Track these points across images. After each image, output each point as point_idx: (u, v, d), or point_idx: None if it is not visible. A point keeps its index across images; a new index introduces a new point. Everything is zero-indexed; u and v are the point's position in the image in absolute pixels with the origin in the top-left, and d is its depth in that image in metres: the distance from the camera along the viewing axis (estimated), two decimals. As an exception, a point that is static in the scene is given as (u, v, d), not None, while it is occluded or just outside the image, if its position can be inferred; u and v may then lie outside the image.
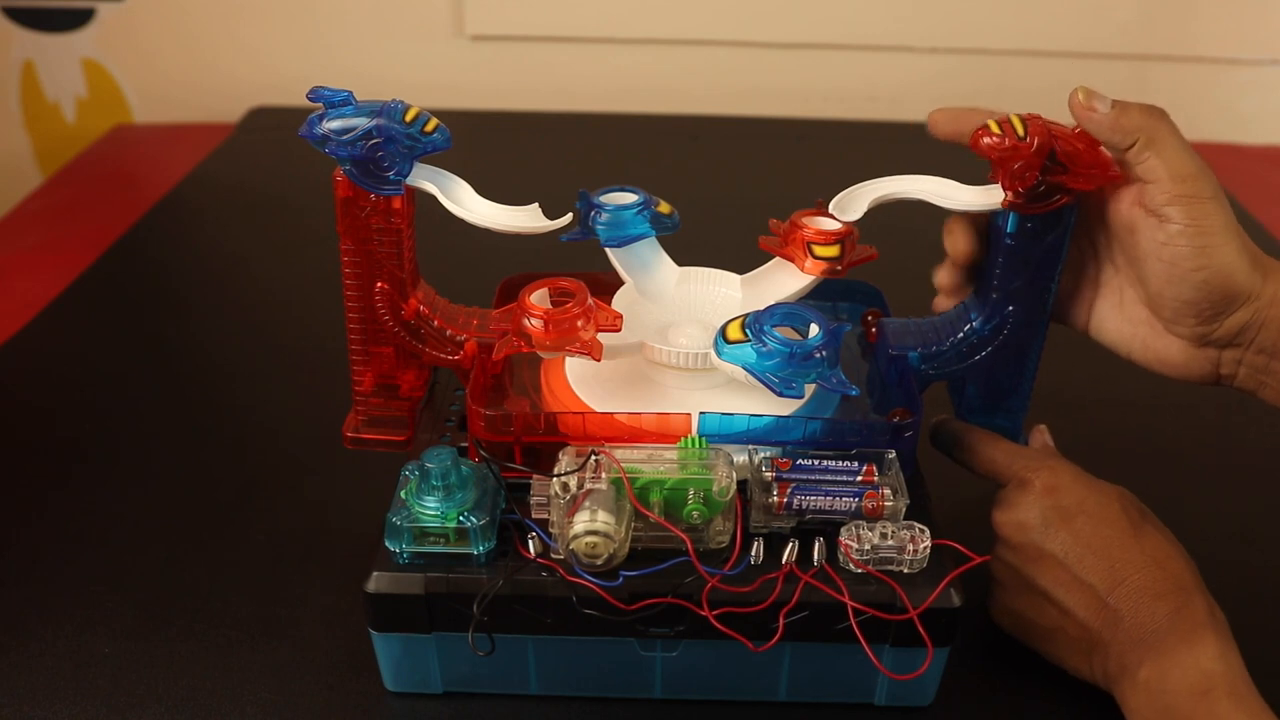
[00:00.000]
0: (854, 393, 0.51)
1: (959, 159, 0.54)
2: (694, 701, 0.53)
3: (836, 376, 0.50)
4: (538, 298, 0.50)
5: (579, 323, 0.49)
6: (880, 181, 0.54)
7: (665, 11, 1.24)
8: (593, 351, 0.50)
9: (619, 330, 0.51)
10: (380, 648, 0.51)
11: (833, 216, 0.55)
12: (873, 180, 0.54)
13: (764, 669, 0.51)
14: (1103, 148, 0.51)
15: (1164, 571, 0.49)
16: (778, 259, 0.57)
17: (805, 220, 0.56)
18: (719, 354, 0.50)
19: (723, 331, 0.51)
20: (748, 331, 0.50)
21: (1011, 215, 0.52)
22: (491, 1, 1.24)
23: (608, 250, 0.57)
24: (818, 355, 0.49)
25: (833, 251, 0.55)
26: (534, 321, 0.49)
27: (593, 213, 0.57)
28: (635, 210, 0.57)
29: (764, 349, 0.49)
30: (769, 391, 0.49)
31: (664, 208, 0.58)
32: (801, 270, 0.56)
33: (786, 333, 0.50)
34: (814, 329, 0.51)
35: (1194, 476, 0.70)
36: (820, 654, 0.50)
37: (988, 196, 0.52)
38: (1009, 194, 0.51)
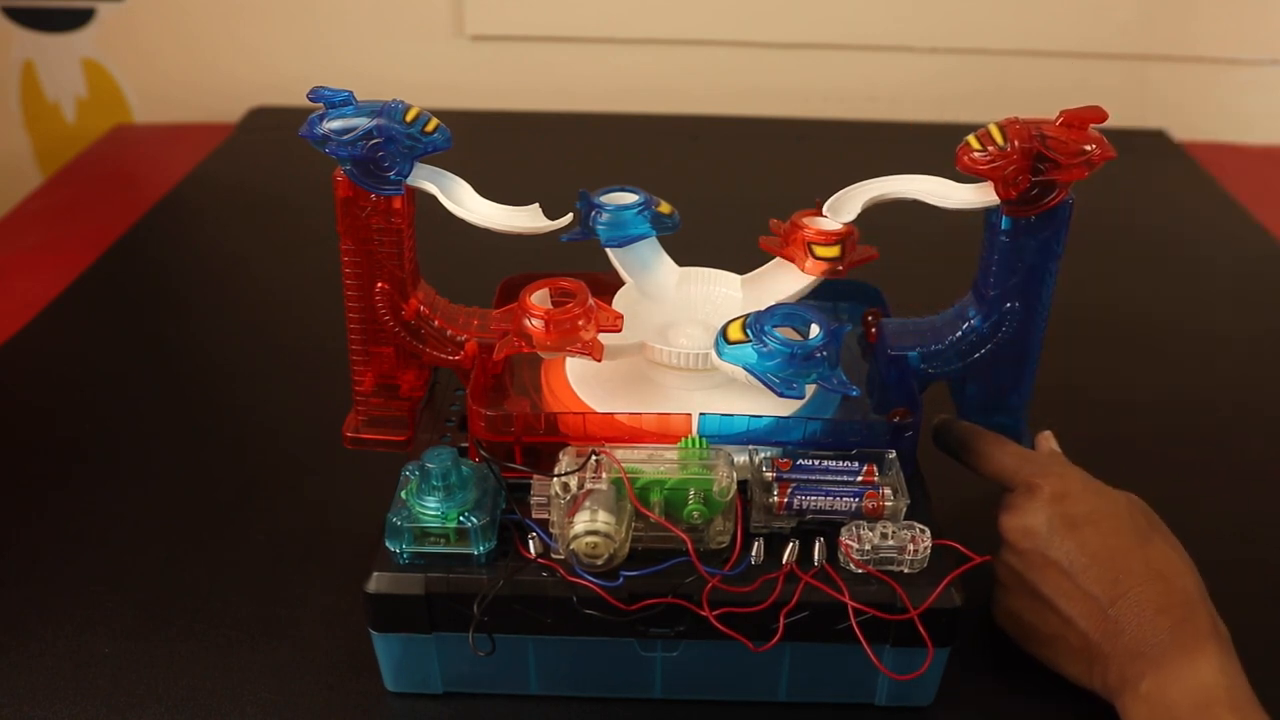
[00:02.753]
0: (855, 393, 0.51)
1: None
2: (694, 701, 0.53)
3: (837, 377, 0.50)
4: (538, 298, 0.50)
5: (580, 323, 0.49)
6: (875, 182, 0.54)
7: (665, 11, 1.24)
8: (594, 352, 0.49)
9: (620, 330, 0.51)
10: (380, 648, 0.51)
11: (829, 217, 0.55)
12: (867, 180, 0.54)
13: (764, 669, 0.51)
14: (1090, 130, 0.50)
15: (1168, 585, 0.48)
16: (778, 259, 0.57)
17: (806, 220, 0.56)
18: (719, 354, 0.50)
19: (723, 332, 0.51)
20: (748, 332, 0.50)
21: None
22: (491, 1, 1.23)
23: (608, 250, 0.57)
24: (819, 356, 0.49)
25: (833, 252, 0.55)
26: (535, 322, 0.49)
27: (593, 213, 0.57)
28: (636, 210, 0.57)
29: (765, 349, 0.49)
30: (769, 392, 0.49)
31: (664, 208, 0.58)
32: (802, 270, 0.56)
33: (787, 333, 0.50)
34: (815, 329, 0.51)
35: (1194, 476, 0.70)
36: (820, 654, 0.50)
37: (983, 194, 0.52)
38: (1004, 203, 0.51)
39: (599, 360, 0.50)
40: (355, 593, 0.49)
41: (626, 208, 0.57)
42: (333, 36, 1.27)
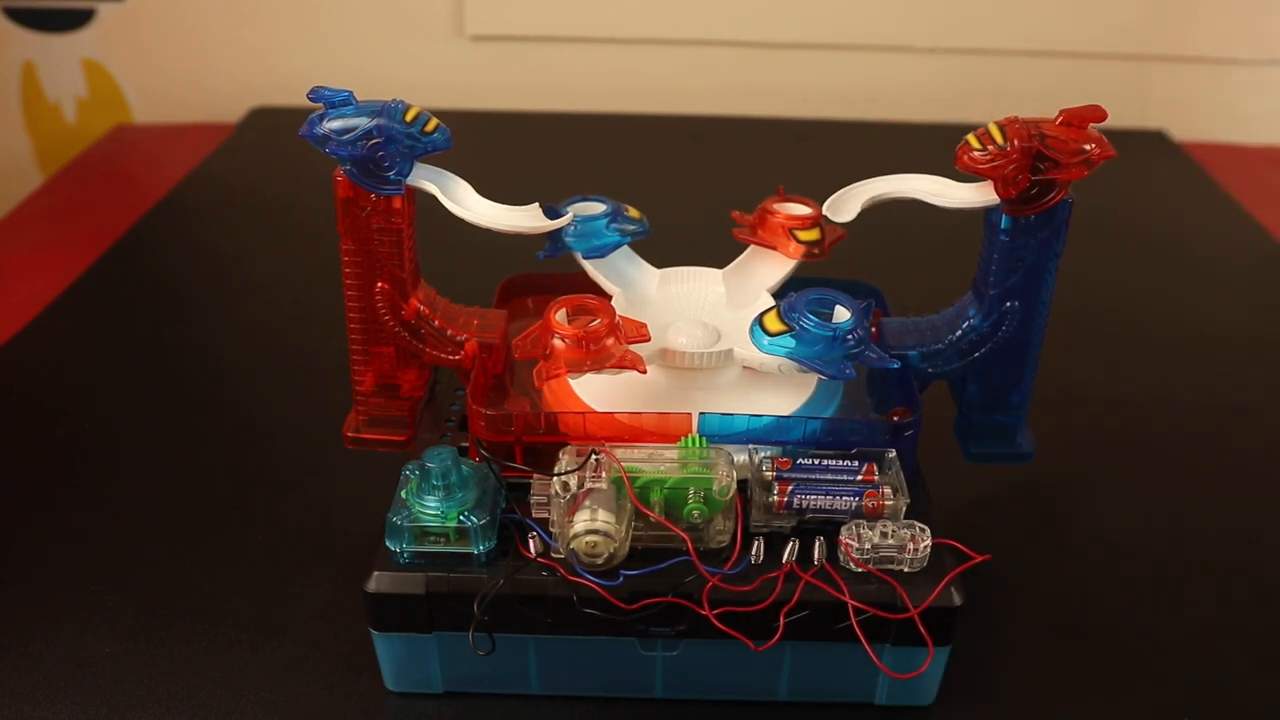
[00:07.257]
0: (895, 365, 0.52)
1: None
2: (694, 701, 0.53)
3: (875, 352, 0.50)
4: (561, 318, 0.50)
5: (608, 341, 0.49)
6: (874, 181, 0.54)
7: (665, 11, 1.24)
8: (636, 365, 0.49)
9: (649, 340, 0.50)
10: (380, 648, 0.51)
11: (804, 203, 0.57)
12: (866, 180, 0.54)
13: (764, 668, 0.51)
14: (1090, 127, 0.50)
15: None
16: (752, 248, 0.58)
17: (776, 207, 0.57)
18: (760, 346, 0.51)
19: (760, 324, 0.51)
20: (787, 321, 0.50)
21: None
22: (491, 1, 1.24)
23: (584, 263, 0.57)
24: (856, 335, 0.50)
25: (814, 235, 0.57)
26: (565, 341, 0.48)
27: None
28: (605, 221, 0.57)
29: (806, 335, 0.50)
30: (768, 391, 0.49)
31: (633, 213, 0.59)
32: (787, 256, 0.57)
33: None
34: (843, 311, 0.51)
35: (1194, 476, 0.70)
36: (821, 653, 0.50)
37: (983, 194, 0.52)
38: (1004, 203, 0.51)
39: (644, 373, 0.50)
40: (355, 593, 0.49)
41: (595, 218, 0.57)
42: (333, 36, 1.27)
